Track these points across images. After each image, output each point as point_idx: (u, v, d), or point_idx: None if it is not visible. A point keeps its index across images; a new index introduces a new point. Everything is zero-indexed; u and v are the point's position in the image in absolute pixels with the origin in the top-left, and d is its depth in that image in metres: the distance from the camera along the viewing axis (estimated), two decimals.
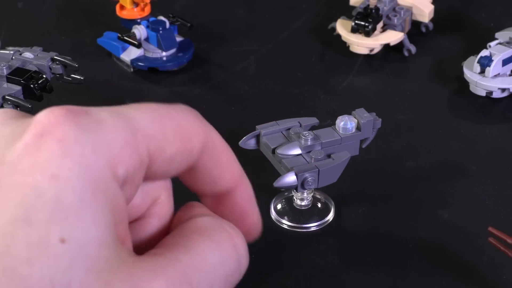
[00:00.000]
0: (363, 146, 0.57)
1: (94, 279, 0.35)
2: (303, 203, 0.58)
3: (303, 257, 0.55)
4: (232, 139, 0.62)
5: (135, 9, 0.74)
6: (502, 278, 0.53)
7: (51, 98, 0.62)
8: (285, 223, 0.58)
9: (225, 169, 0.43)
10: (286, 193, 0.59)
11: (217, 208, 0.44)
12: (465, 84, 0.68)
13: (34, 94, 0.60)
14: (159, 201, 0.42)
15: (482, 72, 0.67)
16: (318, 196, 0.59)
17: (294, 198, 0.58)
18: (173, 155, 0.39)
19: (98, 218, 0.35)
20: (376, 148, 0.64)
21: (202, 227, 0.39)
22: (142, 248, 0.39)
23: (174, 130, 0.39)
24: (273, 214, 0.58)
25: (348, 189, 0.60)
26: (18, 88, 0.60)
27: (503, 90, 0.67)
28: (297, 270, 0.54)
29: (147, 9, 0.74)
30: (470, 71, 0.68)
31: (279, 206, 0.59)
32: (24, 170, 0.35)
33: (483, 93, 0.67)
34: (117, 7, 0.74)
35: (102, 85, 0.72)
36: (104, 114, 0.37)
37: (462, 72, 0.69)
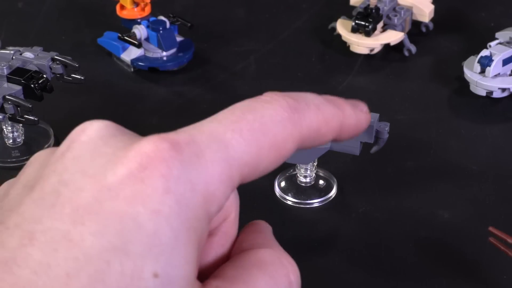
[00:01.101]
0: (371, 152, 0.57)
1: None
2: (306, 180, 0.60)
3: (301, 253, 0.55)
4: None
5: (135, 9, 0.74)
6: (502, 278, 0.53)
7: (51, 98, 0.62)
8: (289, 199, 0.60)
9: (327, 130, 0.42)
10: (290, 171, 0.61)
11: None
12: (465, 84, 0.68)
13: (35, 94, 0.60)
14: (228, 219, 0.42)
15: (482, 72, 0.67)
16: (321, 174, 0.61)
17: (298, 175, 0.60)
18: (266, 167, 0.39)
19: (189, 256, 0.35)
20: (379, 151, 0.64)
21: (262, 261, 0.39)
22: (205, 266, 0.40)
23: (270, 144, 0.39)
24: (277, 191, 0.60)
25: (348, 189, 0.60)
26: (18, 88, 0.60)
27: (503, 90, 0.67)
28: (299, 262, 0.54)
29: (147, 9, 0.74)
30: (470, 71, 0.68)
31: (283, 183, 0.60)
32: (126, 199, 0.35)
33: (483, 93, 0.67)
34: (117, 7, 0.75)
35: (102, 85, 0.72)
36: (204, 144, 0.37)
37: (462, 72, 0.69)
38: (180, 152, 0.36)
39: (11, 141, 0.64)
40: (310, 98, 0.43)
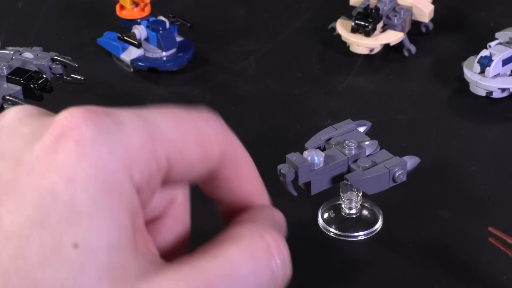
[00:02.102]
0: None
1: (106, 285, 0.34)
2: (351, 212, 0.57)
3: (301, 253, 0.55)
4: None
5: (135, 9, 0.74)
6: (502, 278, 0.53)
7: (51, 98, 0.62)
8: (332, 231, 0.57)
9: (244, 180, 0.41)
10: (334, 202, 0.58)
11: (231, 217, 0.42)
12: (465, 84, 0.68)
13: (34, 94, 0.60)
14: (175, 202, 0.41)
15: (482, 72, 0.67)
16: (366, 205, 0.58)
17: (342, 206, 0.57)
18: (192, 161, 0.38)
19: (113, 222, 0.35)
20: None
21: (238, 235, 0.38)
22: (161, 250, 0.38)
23: (195, 136, 0.38)
24: (321, 222, 0.57)
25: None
26: (18, 88, 0.60)
27: (503, 90, 0.67)
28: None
29: (147, 9, 0.74)
30: (470, 71, 0.68)
31: (326, 215, 0.58)
32: (41, 172, 0.34)
33: (483, 93, 0.67)
34: (117, 7, 0.75)
35: (102, 85, 0.72)
36: (124, 115, 0.37)
37: (462, 72, 0.69)
38: (97, 118, 0.36)
39: None
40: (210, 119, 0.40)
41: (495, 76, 0.67)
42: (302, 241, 0.56)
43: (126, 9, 0.74)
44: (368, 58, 0.74)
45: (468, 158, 0.63)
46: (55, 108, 0.70)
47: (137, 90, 0.71)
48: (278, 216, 0.41)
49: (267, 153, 0.62)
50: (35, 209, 0.34)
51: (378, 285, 0.53)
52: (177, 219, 0.41)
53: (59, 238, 0.34)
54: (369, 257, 0.55)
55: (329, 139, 0.55)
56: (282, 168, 0.52)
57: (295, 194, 0.53)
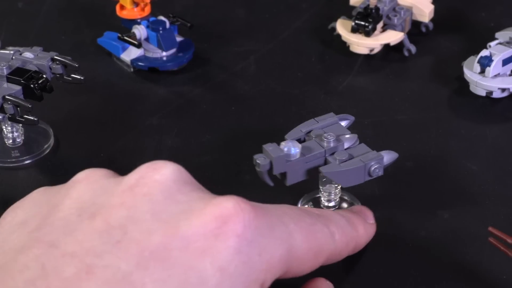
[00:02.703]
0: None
1: None
2: (330, 204, 0.57)
3: None
4: (232, 139, 0.62)
5: (135, 9, 0.74)
6: (502, 278, 0.53)
7: (51, 98, 0.62)
8: None
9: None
10: (314, 195, 0.59)
11: None
12: (465, 84, 0.68)
13: (34, 94, 0.60)
14: (264, 285, 0.42)
15: (482, 72, 0.67)
16: (346, 198, 0.59)
17: (321, 199, 0.58)
18: (304, 270, 0.42)
19: None
20: (376, 148, 0.63)
21: None
22: None
23: (316, 250, 0.42)
24: None
25: (348, 189, 0.60)
26: (18, 88, 0.60)
27: (503, 90, 0.67)
28: None
29: (147, 9, 0.74)
30: (470, 71, 0.68)
31: (306, 207, 0.58)
32: (196, 253, 0.35)
33: (483, 93, 0.67)
34: (117, 7, 0.74)
35: (102, 85, 0.72)
36: (274, 219, 0.39)
37: (462, 72, 0.69)
38: (258, 218, 0.37)
39: (10, 141, 0.64)
40: (336, 219, 0.46)
41: (495, 76, 0.67)
42: None
43: (126, 9, 0.74)
44: (368, 58, 0.74)
45: (468, 158, 0.63)
46: (55, 108, 0.70)
47: (137, 90, 0.71)
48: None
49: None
50: (180, 287, 0.34)
51: (378, 285, 0.53)
52: None
53: None
54: (369, 257, 0.54)
55: (310, 131, 0.55)
56: (258, 158, 0.52)
57: (271, 184, 0.53)
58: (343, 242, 0.46)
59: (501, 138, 0.65)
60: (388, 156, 0.54)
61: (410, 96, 0.70)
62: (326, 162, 0.53)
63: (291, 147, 0.52)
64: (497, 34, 0.70)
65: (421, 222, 0.57)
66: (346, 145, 0.54)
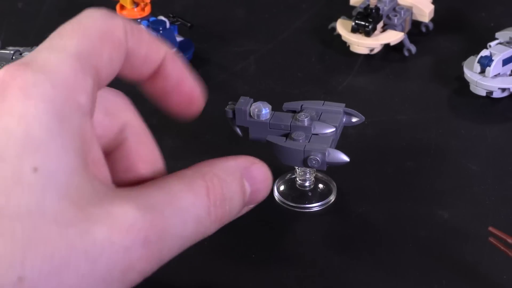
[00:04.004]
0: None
1: (67, 205, 0.36)
2: (305, 184, 0.59)
3: (301, 253, 0.55)
4: (232, 139, 0.62)
5: (135, 9, 0.74)
6: (502, 278, 0.53)
7: None
8: (288, 203, 0.59)
9: (150, 43, 0.46)
10: (289, 175, 0.60)
11: (156, 87, 0.49)
12: (465, 84, 0.69)
13: None
14: (128, 123, 0.46)
15: (482, 72, 0.67)
16: (320, 177, 0.60)
17: (297, 179, 0.59)
18: (109, 55, 0.43)
19: (68, 146, 0.38)
20: (376, 148, 0.64)
21: (182, 174, 0.42)
22: (128, 171, 0.43)
23: (98, 36, 0.42)
24: (276, 195, 0.59)
25: (348, 189, 0.60)
26: None
27: (503, 90, 0.67)
28: (297, 262, 0.54)
29: (147, 9, 0.74)
30: (470, 71, 0.68)
31: (282, 187, 0.59)
32: None
33: (483, 93, 0.67)
34: (117, 7, 0.75)
35: None
36: (44, 53, 0.40)
37: (462, 72, 0.69)
38: (28, 66, 0.39)
39: None
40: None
41: (495, 76, 0.67)
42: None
43: (126, 9, 0.74)
44: (368, 58, 0.74)
45: (468, 158, 0.63)
46: None
47: (137, 90, 0.71)
48: (254, 169, 0.45)
49: (267, 153, 0.62)
50: None
51: (378, 285, 0.53)
52: (139, 142, 0.45)
53: (19, 166, 0.36)
54: (369, 256, 0.55)
55: (304, 108, 0.56)
56: (229, 105, 0.55)
57: (240, 134, 0.56)
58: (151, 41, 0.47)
59: (501, 138, 0.65)
60: (334, 155, 0.53)
61: (410, 96, 0.70)
62: (287, 136, 0.54)
63: (261, 108, 0.54)
64: (497, 34, 0.70)
65: (421, 222, 0.57)
66: (316, 131, 0.54)
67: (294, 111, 0.56)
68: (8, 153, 0.36)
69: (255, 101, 0.56)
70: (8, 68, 0.39)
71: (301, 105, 0.56)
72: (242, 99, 0.55)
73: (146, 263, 0.38)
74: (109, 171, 0.41)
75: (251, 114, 0.55)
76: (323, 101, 0.57)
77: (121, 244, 0.37)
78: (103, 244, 0.36)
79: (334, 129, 0.54)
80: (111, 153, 0.44)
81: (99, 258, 0.36)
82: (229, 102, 0.55)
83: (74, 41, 0.41)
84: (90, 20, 0.42)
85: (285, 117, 0.55)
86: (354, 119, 0.57)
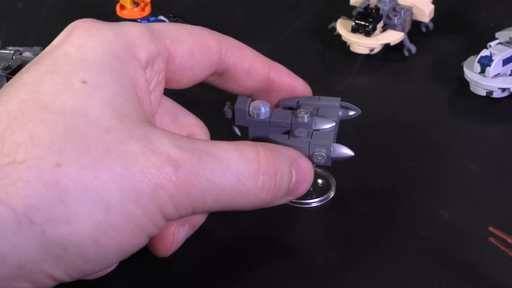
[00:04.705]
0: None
1: (109, 114, 0.40)
2: None
3: (301, 253, 0.55)
4: (232, 139, 0.62)
5: (135, 9, 0.74)
6: (502, 278, 0.53)
7: None
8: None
9: (252, 60, 0.52)
10: None
11: (270, 96, 0.53)
12: (465, 84, 0.68)
13: None
14: (194, 134, 0.50)
15: (482, 72, 0.67)
16: (320, 173, 0.60)
17: None
18: (190, 49, 0.46)
19: (117, 77, 0.41)
20: (376, 148, 0.64)
21: (235, 142, 0.45)
22: None
23: (188, 32, 0.46)
24: None
25: (348, 189, 0.60)
26: None
27: (503, 90, 0.67)
28: (296, 259, 0.54)
29: (147, 9, 0.74)
30: (470, 71, 0.68)
31: None
32: (57, 47, 0.43)
33: (483, 93, 0.67)
34: (117, 7, 0.75)
35: None
36: (125, 23, 0.45)
37: (462, 72, 0.69)
38: (103, 22, 0.44)
39: None
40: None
41: (495, 76, 0.67)
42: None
43: (126, 9, 0.74)
44: (368, 58, 0.74)
45: (468, 158, 0.63)
46: None
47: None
48: (301, 161, 0.49)
49: None
50: (49, 64, 0.41)
51: (378, 285, 0.53)
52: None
53: (70, 77, 0.40)
54: (369, 256, 0.54)
55: (301, 104, 0.56)
56: (227, 105, 0.56)
57: (239, 134, 0.57)
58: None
59: (501, 138, 0.65)
60: (339, 150, 0.53)
61: (410, 96, 0.70)
62: (289, 134, 0.54)
63: (260, 107, 0.54)
64: (497, 34, 0.70)
65: (421, 222, 0.57)
66: (317, 126, 0.54)
67: (291, 108, 0.56)
68: (62, 68, 0.40)
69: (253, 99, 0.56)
70: (84, 19, 0.44)
71: (297, 101, 0.56)
72: (240, 99, 0.55)
73: (176, 191, 0.40)
74: (155, 117, 0.46)
75: (251, 113, 0.54)
76: (318, 96, 0.57)
77: (153, 162, 0.39)
78: (137, 157, 0.39)
79: (334, 123, 0.54)
80: None
81: (132, 166, 0.38)
82: (227, 102, 0.55)
83: (162, 27, 0.46)
84: (194, 28, 0.48)
85: (285, 114, 0.55)
86: (351, 113, 0.57)
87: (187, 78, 0.48)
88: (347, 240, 0.56)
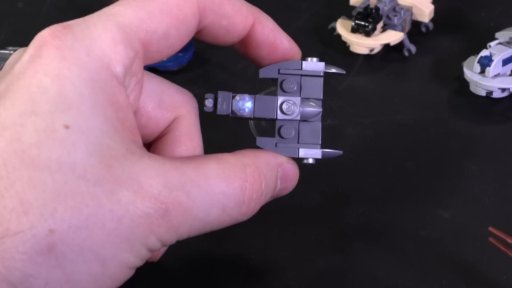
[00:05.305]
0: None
1: (96, 161, 0.38)
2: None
3: (301, 253, 0.55)
4: (232, 139, 0.62)
5: None
6: (502, 278, 0.53)
7: None
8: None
9: (233, 17, 0.48)
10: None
11: (250, 52, 0.51)
12: (465, 84, 0.68)
13: None
14: (180, 117, 0.47)
15: (482, 72, 0.67)
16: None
17: None
18: (165, 30, 0.43)
19: (99, 110, 0.39)
20: (376, 148, 0.64)
21: (223, 159, 0.43)
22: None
23: (160, 8, 0.43)
24: None
25: (348, 189, 0.60)
26: None
27: (503, 90, 0.67)
28: (296, 268, 0.54)
29: None
30: (470, 71, 0.68)
31: None
32: (30, 74, 0.39)
33: (483, 93, 0.67)
34: None
35: None
36: (93, 18, 0.44)
37: (462, 72, 0.69)
38: (71, 29, 0.42)
39: None
40: None
41: (495, 76, 0.67)
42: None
43: None
44: (368, 58, 0.74)
45: (468, 158, 0.63)
46: None
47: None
48: (288, 168, 0.47)
49: None
50: (27, 102, 0.38)
51: (378, 285, 0.53)
52: (185, 134, 0.46)
53: (51, 122, 0.38)
54: (368, 256, 0.54)
55: (284, 80, 0.53)
56: (208, 97, 0.51)
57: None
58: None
59: (501, 138, 0.65)
60: (327, 154, 0.51)
61: (410, 96, 0.70)
62: (276, 131, 0.51)
63: (240, 106, 0.52)
64: (497, 34, 0.70)
65: (421, 222, 0.57)
66: (304, 117, 0.52)
67: (272, 79, 0.54)
68: (41, 108, 0.38)
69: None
70: (52, 27, 0.41)
71: (279, 69, 0.54)
72: (221, 95, 0.52)
73: (165, 233, 0.40)
74: (141, 139, 0.43)
75: (233, 112, 0.52)
76: (301, 62, 0.55)
77: (143, 210, 0.38)
78: (128, 206, 0.38)
79: (320, 110, 0.53)
80: (153, 141, 0.46)
81: (123, 218, 0.38)
82: (206, 99, 0.51)
83: (128, 11, 0.43)
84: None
85: (269, 105, 0.53)
86: (333, 70, 0.56)
87: (166, 54, 0.45)
88: (347, 240, 0.56)
